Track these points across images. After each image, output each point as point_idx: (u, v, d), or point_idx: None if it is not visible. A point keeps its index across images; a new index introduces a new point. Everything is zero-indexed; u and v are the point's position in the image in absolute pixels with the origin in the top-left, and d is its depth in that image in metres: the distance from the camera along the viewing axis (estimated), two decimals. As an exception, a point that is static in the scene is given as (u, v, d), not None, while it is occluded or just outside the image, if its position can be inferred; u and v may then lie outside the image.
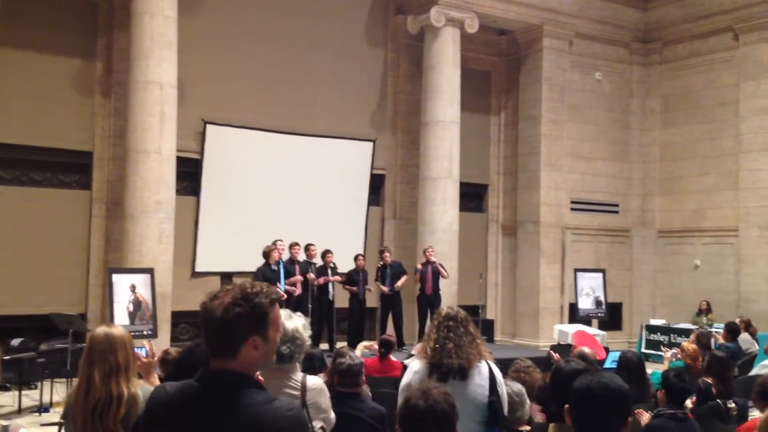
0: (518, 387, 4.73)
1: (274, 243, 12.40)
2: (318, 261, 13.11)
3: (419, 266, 14.07)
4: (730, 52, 16.76)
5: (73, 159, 13.48)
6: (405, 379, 4.31)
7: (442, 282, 14.10)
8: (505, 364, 5.72)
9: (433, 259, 14.00)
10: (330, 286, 13.15)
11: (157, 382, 3.87)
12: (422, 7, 15.55)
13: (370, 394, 5.81)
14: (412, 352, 9.04)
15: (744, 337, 11.00)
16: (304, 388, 3.82)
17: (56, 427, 7.40)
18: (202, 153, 14.16)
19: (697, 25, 17.31)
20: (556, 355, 7.24)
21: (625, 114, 18.19)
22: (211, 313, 2.34)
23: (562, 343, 12.91)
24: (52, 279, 12.97)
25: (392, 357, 8.78)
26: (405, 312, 14.14)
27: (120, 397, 3.39)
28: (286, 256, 12.61)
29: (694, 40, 17.48)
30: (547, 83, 16.96)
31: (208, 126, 14.13)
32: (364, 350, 10.46)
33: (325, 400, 3.97)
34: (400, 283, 13.82)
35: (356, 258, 13.88)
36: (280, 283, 12.08)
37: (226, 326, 2.33)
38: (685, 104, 17.63)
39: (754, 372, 9.12)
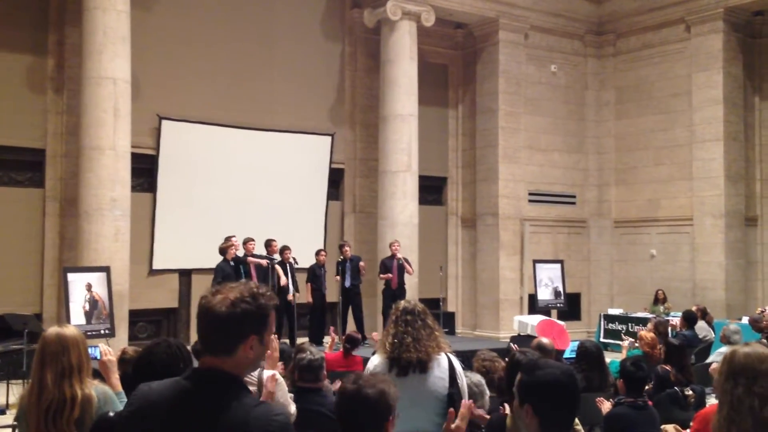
0: (477, 378, 4.75)
1: (228, 239, 12.28)
2: (276, 257, 13.01)
3: (391, 262, 13.98)
4: (683, 44, 16.97)
5: (25, 156, 13.21)
6: (365, 374, 4.30)
7: (405, 275, 14.08)
8: (466, 356, 5.75)
9: (399, 254, 13.99)
10: (290, 281, 13.04)
11: (118, 382, 3.80)
12: (378, 0, 15.52)
13: (332, 388, 5.80)
14: None
15: (701, 325, 11.17)
16: (260, 382, 3.80)
17: (10, 430, 7.25)
18: (157, 149, 13.96)
19: (649, 16, 17.51)
20: (515, 346, 7.28)
21: (580, 106, 18.34)
22: (213, 309, 2.31)
23: (522, 334, 12.99)
24: (6, 279, 12.72)
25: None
26: (365, 305, 14.11)
27: (73, 399, 3.33)
28: (241, 252, 12.47)
29: (646, 31, 17.67)
30: (504, 76, 17.02)
31: (164, 122, 13.95)
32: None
33: (283, 393, 3.97)
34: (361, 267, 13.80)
35: (317, 253, 13.80)
36: (242, 279, 11.96)
37: (229, 323, 2.30)
38: (638, 95, 17.82)
39: (710, 359, 9.27)
